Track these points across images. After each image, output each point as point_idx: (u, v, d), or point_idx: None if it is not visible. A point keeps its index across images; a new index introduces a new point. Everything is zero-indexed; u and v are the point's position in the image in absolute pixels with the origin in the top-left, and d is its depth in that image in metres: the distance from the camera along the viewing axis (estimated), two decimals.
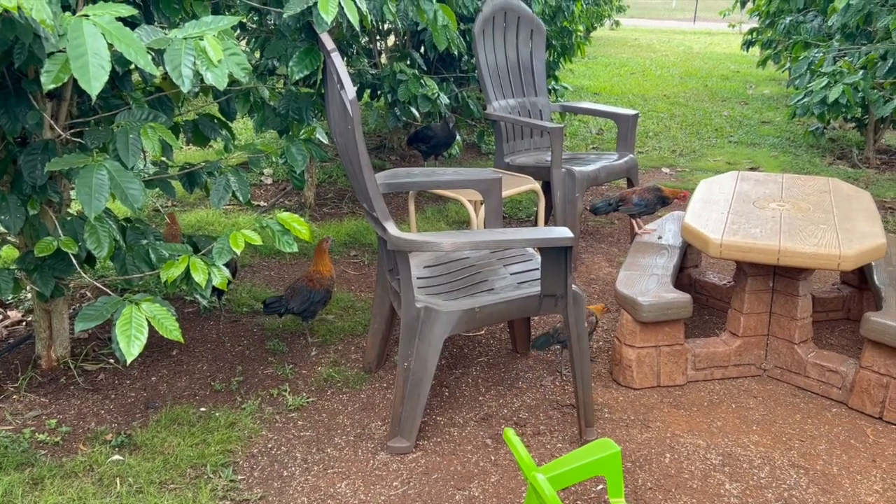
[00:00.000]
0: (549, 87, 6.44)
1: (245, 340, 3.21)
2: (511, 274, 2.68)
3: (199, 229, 4.40)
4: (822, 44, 6.32)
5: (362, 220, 4.68)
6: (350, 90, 2.12)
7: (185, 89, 1.78)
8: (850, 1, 4.27)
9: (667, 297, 2.81)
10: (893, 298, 2.83)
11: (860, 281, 3.44)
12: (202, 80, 1.81)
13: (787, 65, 7.33)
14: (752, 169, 6.21)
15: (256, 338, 3.23)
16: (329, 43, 2.17)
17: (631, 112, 4.33)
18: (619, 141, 4.38)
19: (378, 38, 5.51)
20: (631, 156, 4.30)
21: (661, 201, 3.66)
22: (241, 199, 2.53)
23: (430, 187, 2.85)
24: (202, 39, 1.84)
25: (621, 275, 3.09)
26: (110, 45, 1.68)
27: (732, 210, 3.03)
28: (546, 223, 4.57)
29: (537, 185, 3.77)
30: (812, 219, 2.92)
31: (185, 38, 1.84)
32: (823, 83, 4.37)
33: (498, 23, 4.31)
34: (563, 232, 2.30)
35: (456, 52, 4.26)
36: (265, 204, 4.96)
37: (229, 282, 3.31)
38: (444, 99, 3.91)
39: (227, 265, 3.23)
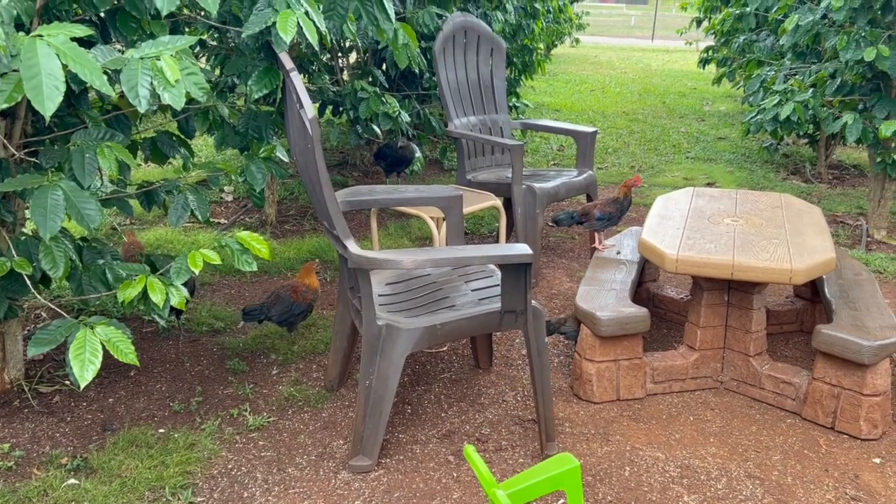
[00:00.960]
0: (510, 105, 6.51)
1: (205, 360, 3.18)
2: (472, 290, 2.70)
3: (158, 248, 4.35)
4: (774, 62, 6.49)
5: (324, 238, 4.67)
6: (309, 109, 2.12)
7: (141, 109, 1.78)
8: (799, 22, 4.40)
9: (625, 312, 2.85)
10: (844, 311, 2.91)
11: (812, 294, 3.53)
12: (159, 100, 1.81)
13: (742, 83, 7.50)
14: (708, 184, 6.34)
15: (216, 357, 3.20)
16: (288, 62, 2.17)
17: (589, 129, 4.40)
18: (579, 158, 4.44)
19: (340, 55, 5.52)
20: (590, 172, 4.37)
21: (622, 209, 3.73)
22: (199, 217, 2.51)
23: (391, 205, 2.87)
24: (159, 59, 1.83)
25: (581, 290, 3.13)
26: (65, 66, 1.66)
27: (688, 226, 3.10)
28: (507, 239, 4.61)
29: (498, 202, 3.81)
30: (765, 234, 2.99)
31: (141, 58, 1.84)
32: (775, 101, 4.48)
33: (458, 41, 4.35)
34: (521, 249, 2.32)
35: (417, 70, 4.30)
36: (226, 221, 4.92)
37: (188, 301, 3.30)
38: (405, 117, 3.94)
39: (185, 284, 3.21)
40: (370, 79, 5.11)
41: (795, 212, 3.31)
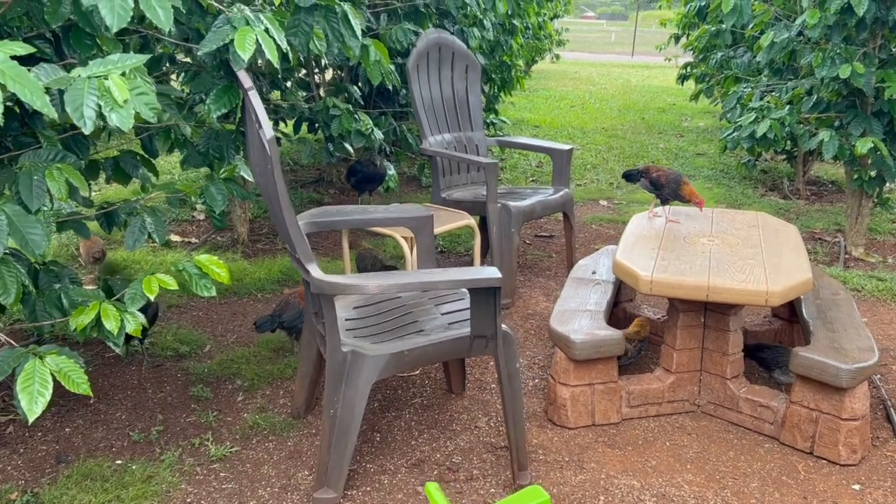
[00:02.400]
0: (489, 121, 6.46)
1: (168, 386, 3.07)
2: (442, 314, 2.62)
3: (125, 268, 4.24)
4: (751, 78, 6.49)
5: None
6: (268, 130, 2.05)
7: (86, 131, 1.69)
8: (775, 39, 4.38)
9: (599, 335, 2.79)
10: (821, 332, 2.86)
11: (791, 314, 3.48)
12: (104, 121, 1.72)
13: (719, 99, 7.51)
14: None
15: (180, 383, 3.10)
16: (246, 81, 2.10)
17: (565, 147, 4.35)
18: (555, 175, 4.39)
19: (316, 71, 5.45)
20: (566, 190, 4.31)
21: (674, 194, 3.36)
22: (157, 240, 2.42)
23: (359, 226, 2.79)
24: (107, 78, 1.75)
25: (555, 311, 3.06)
26: (2, 86, 1.58)
27: (663, 246, 3.04)
28: (483, 258, 4.55)
29: (472, 221, 3.74)
30: (741, 254, 2.94)
31: (88, 78, 1.76)
32: (752, 118, 4.46)
33: (433, 58, 4.30)
34: (490, 273, 2.25)
35: (391, 87, 4.24)
36: (196, 241, 4.82)
37: (146, 328, 3.20)
38: (379, 134, 3.87)
39: (147, 308, 3.11)
40: (345, 95, 5.04)
41: (772, 231, 3.27)
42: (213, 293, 2.27)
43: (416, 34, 4.26)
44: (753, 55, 6.50)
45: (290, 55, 2.42)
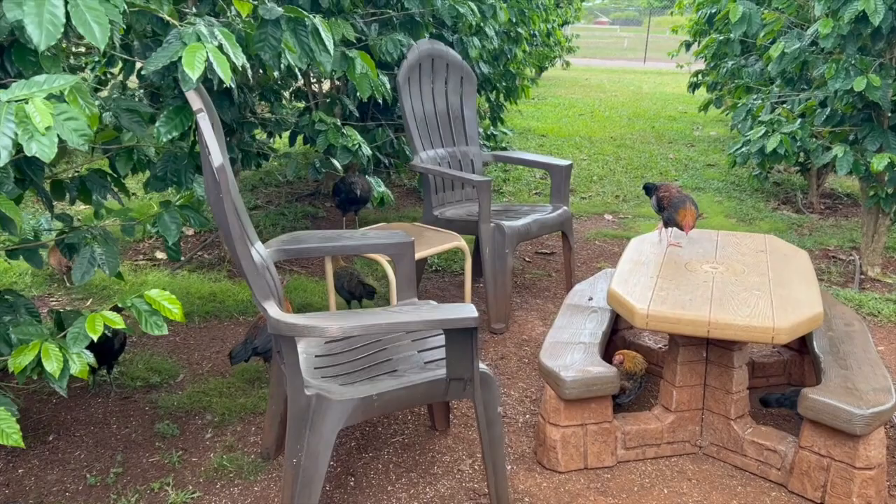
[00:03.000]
0: (489, 133, 6.25)
1: (134, 421, 2.89)
2: (419, 351, 2.42)
3: (103, 288, 4.07)
4: (763, 88, 6.26)
5: (283, 277, 4.40)
6: (216, 156, 1.86)
7: (0, 162, 1.51)
8: (785, 49, 4.16)
9: (592, 372, 2.58)
10: (833, 369, 2.64)
11: (801, 344, 3.26)
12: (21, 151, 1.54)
13: (729, 110, 7.27)
14: None
15: (147, 418, 2.91)
16: (195, 103, 1.91)
17: (564, 162, 4.14)
18: (553, 192, 4.18)
19: (314, 81, 5.28)
20: (564, 208, 4.11)
21: (672, 219, 3.04)
22: (108, 272, 2.24)
23: (331, 253, 2.60)
24: (28, 103, 1.57)
25: (546, 342, 2.86)
26: None
27: (662, 274, 2.83)
28: (476, 281, 4.35)
29: (462, 243, 3.53)
30: (746, 283, 2.72)
31: (7, 102, 1.57)
32: (761, 132, 4.23)
33: (425, 70, 4.11)
34: (466, 312, 2.05)
35: (381, 100, 4.05)
36: (182, 258, 4.65)
37: (114, 362, 3.02)
38: (367, 150, 3.67)
39: (113, 339, 2.93)
40: (340, 107, 4.86)
41: (780, 257, 3.05)
42: (165, 331, 2.08)
43: (408, 45, 4.07)
44: (765, 65, 6.28)
45: (267, 70, 2.25)
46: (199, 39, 1.95)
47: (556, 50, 16.49)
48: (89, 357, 2.10)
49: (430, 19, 4.70)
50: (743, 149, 4.37)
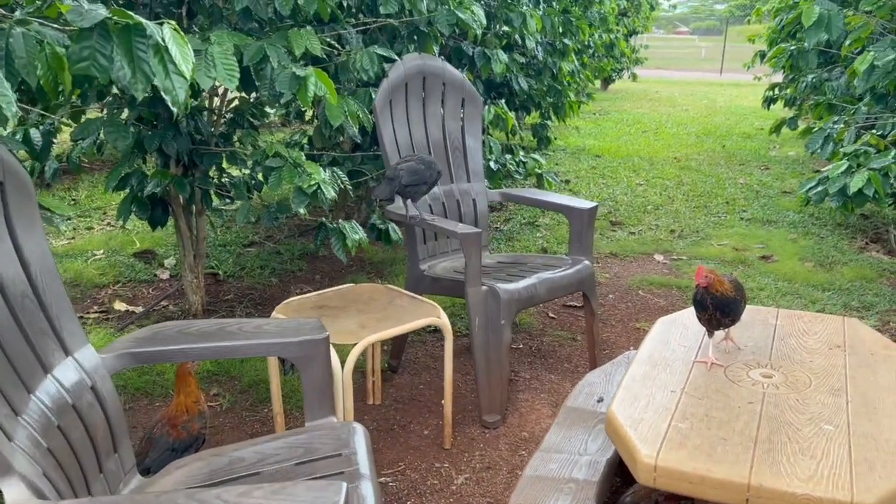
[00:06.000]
0: (518, 160, 5.42)
1: None
2: None
3: None
4: (849, 106, 5.26)
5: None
6: None
7: None
8: (876, 62, 3.24)
9: None
10: None
11: None
12: None
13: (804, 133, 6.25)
14: (763, 258, 5.11)
15: None
16: None
17: (586, 205, 3.30)
18: (572, 243, 3.35)
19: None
20: (585, 262, 3.27)
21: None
22: None
23: (206, 357, 1.86)
24: None
25: (523, 478, 2.05)
26: None
27: (690, 386, 1.98)
28: (454, 361, 3.53)
29: (441, 318, 2.71)
30: (811, 410, 1.85)
31: None
32: (843, 167, 3.31)
33: (414, 91, 3.35)
34: (331, 496, 1.27)
35: (356, 128, 3.31)
36: (142, 309, 4.00)
37: None
38: (330, 192, 2.93)
39: None
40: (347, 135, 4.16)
41: (865, 356, 2.15)
42: None
43: (390, 60, 3.32)
44: (849, 81, 5.27)
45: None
46: None
47: (623, 62, 15.51)
48: None
49: (443, 30, 3.94)
50: (819, 187, 3.44)
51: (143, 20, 1.60)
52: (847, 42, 4.32)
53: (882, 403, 1.88)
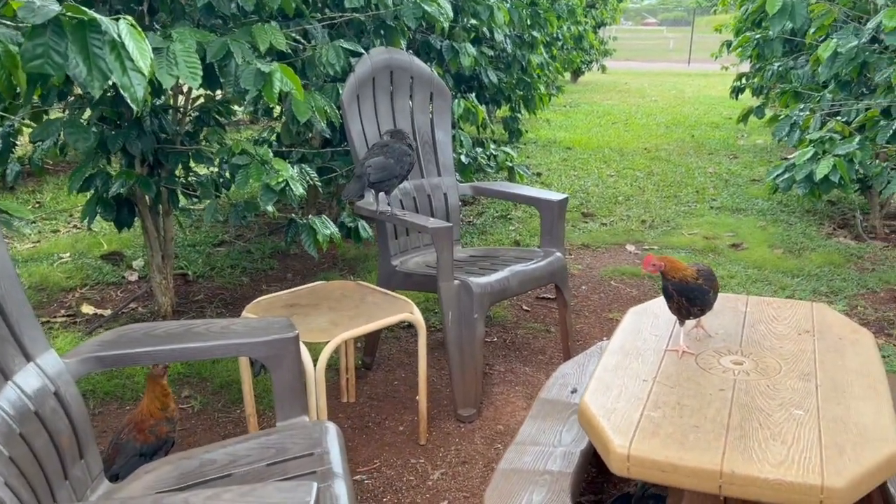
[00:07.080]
0: (490, 153, 5.41)
1: None
2: None
3: None
4: (815, 93, 5.31)
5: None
6: None
7: None
8: (839, 49, 3.27)
9: None
10: None
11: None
12: None
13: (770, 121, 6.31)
14: (733, 246, 5.16)
15: None
16: None
17: (556, 197, 3.31)
18: (543, 234, 3.35)
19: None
20: (557, 254, 3.27)
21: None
22: None
23: (173, 359, 1.83)
24: None
25: (499, 469, 2.04)
26: None
27: (661, 376, 1.98)
28: (429, 357, 3.53)
29: (414, 314, 2.70)
30: (781, 395, 1.86)
31: None
32: (808, 154, 3.34)
33: (381, 86, 3.32)
34: (300, 497, 1.25)
35: (324, 124, 3.29)
36: (110, 312, 3.93)
37: None
38: (298, 189, 2.90)
39: None
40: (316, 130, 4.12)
41: (833, 342, 2.17)
42: None
43: (357, 54, 3.29)
44: (813, 68, 5.33)
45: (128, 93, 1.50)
46: None
47: (592, 54, 15.56)
48: None
49: (411, 24, 3.91)
50: (786, 174, 3.48)
51: (98, 16, 1.56)
52: (811, 30, 4.36)
53: (851, 387, 1.90)
